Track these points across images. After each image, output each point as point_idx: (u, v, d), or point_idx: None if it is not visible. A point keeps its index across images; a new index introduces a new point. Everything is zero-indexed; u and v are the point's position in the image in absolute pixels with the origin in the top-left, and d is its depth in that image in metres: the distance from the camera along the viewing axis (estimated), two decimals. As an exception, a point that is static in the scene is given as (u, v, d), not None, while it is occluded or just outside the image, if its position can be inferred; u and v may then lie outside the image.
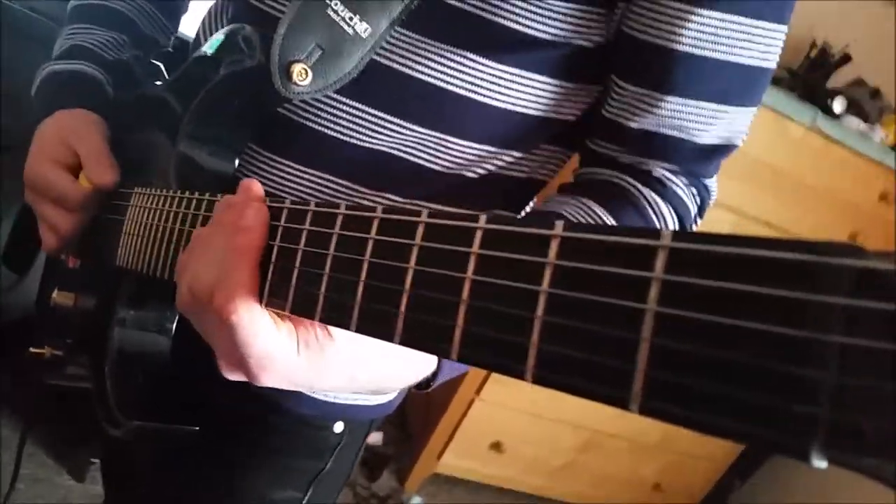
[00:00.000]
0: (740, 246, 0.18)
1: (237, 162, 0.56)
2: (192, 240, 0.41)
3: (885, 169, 1.69)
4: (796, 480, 2.03)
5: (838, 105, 1.66)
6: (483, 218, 0.26)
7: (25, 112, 0.64)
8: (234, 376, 0.39)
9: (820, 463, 0.16)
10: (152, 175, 0.58)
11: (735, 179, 1.62)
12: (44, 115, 0.62)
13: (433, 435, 1.89)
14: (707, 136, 0.53)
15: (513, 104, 0.53)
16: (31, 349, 0.67)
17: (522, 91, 0.53)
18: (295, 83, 0.50)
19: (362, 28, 0.49)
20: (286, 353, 0.37)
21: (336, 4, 0.49)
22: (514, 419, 1.90)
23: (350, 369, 0.39)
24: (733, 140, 0.55)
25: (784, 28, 0.51)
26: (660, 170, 0.55)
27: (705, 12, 0.48)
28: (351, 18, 0.49)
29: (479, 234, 0.25)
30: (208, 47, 0.56)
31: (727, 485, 2.16)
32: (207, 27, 0.62)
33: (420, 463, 1.93)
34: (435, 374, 0.44)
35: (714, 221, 1.67)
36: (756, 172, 1.65)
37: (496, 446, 1.94)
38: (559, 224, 0.23)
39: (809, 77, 1.76)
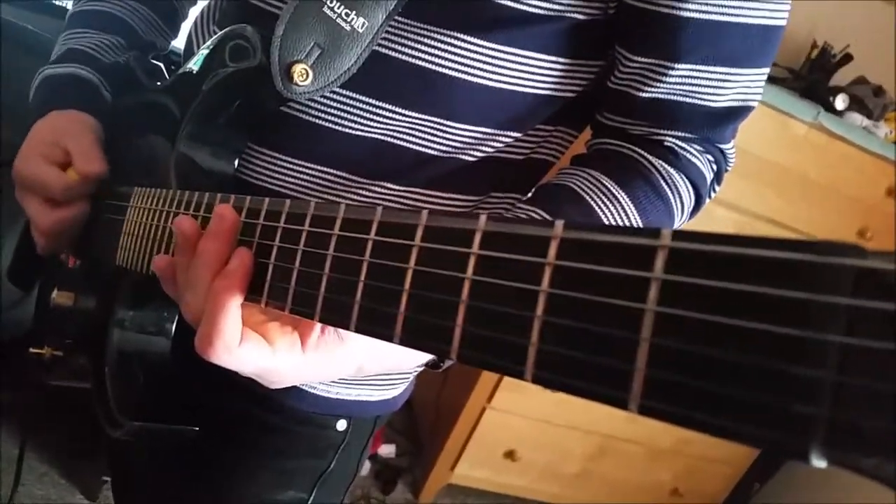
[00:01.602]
0: (740, 245, 0.18)
1: (237, 162, 0.56)
2: (168, 270, 0.42)
3: (891, 164, 1.67)
4: (816, 482, 2.01)
5: (840, 102, 1.65)
6: (482, 219, 0.26)
7: (27, 127, 0.64)
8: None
9: (819, 463, 0.16)
10: (152, 175, 0.58)
11: (738, 178, 1.60)
12: (38, 117, 0.63)
13: (446, 445, 1.88)
14: (719, 100, 0.52)
15: (506, 83, 0.52)
16: (31, 349, 0.67)
17: (516, 69, 0.52)
18: (296, 83, 0.50)
19: (359, 23, 0.49)
20: (285, 364, 0.39)
21: (331, 2, 0.49)
22: (526, 427, 1.88)
23: (359, 361, 0.41)
24: (748, 102, 0.54)
25: None
26: (671, 138, 0.54)
27: None
28: (347, 14, 0.49)
29: (478, 235, 0.25)
30: (207, 48, 0.56)
31: (746, 488, 2.13)
32: (200, 28, 0.62)
33: (434, 474, 1.92)
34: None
35: (717, 220, 1.66)
36: (759, 170, 1.64)
37: (510, 455, 1.93)
38: (559, 224, 0.23)
39: (811, 77, 1.75)
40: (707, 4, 0.48)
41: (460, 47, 0.51)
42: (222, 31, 0.54)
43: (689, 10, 0.48)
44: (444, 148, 0.55)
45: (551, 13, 0.50)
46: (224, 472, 0.65)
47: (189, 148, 0.54)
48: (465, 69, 0.51)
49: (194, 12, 0.75)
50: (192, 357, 0.60)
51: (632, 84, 0.53)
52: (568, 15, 0.50)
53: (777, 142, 1.62)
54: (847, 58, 1.77)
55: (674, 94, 0.52)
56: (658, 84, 0.51)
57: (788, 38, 1.88)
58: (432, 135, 0.54)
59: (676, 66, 0.50)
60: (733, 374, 0.17)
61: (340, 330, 0.38)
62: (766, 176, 1.65)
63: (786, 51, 1.86)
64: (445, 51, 0.51)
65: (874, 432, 0.15)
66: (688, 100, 0.52)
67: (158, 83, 0.66)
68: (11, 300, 0.76)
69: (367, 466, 1.94)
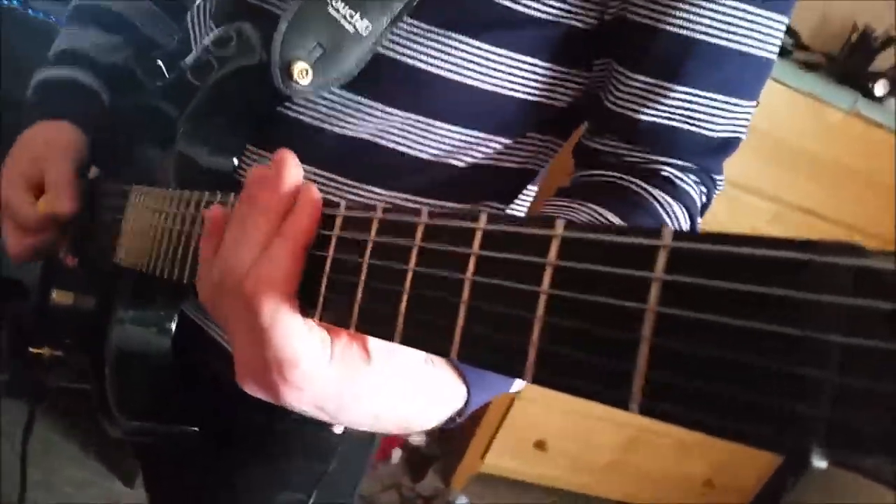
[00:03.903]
0: (740, 245, 0.18)
1: (236, 161, 0.56)
2: (215, 222, 0.37)
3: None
4: (851, 477, 1.97)
5: (880, 88, 1.62)
6: (483, 218, 0.25)
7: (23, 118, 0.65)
8: (253, 389, 0.35)
9: (820, 463, 0.16)
10: (151, 174, 0.58)
11: (773, 167, 1.59)
12: (31, 122, 0.63)
13: (476, 434, 1.88)
14: (717, 129, 0.52)
15: (500, 86, 0.52)
16: (31, 349, 0.67)
17: (509, 73, 0.52)
18: (295, 82, 0.50)
19: (363, 25, 0.49)
20: (316, 365, 0.32)
21: (336, 2, 0.49)
22: (556, 417, 1.89)
23: (376, 406, 0.35)
24: (739, 135, 0.54)
25: (786, 20, 0.50)
26: (669, 168, 0.53)
27: None
28: (351, 16, 0.49)
29: (479, 235, 0.25)
30: (206, 45, 0.56)
31: (779, 482, 2.10)
32: (196, 23, 0.62)
33: (464, 463, 1.92)
34: (462, 409, 0.40)
35: (754, 210, 1.64)
36: (794, 159, 1.61)
37: (540, 445, 1.93)
38: (559, 223, 0.23)
39: (850, 62, 1.71)
40: (714, 28, 0.47)
41: (453, 47, 0.51)
42: (221, 29, 0.54)
43: (698, 32, 0.48)
44: (432, 150, 0.55)
45: (549, 17, 0.50)
46: (225, 471, 0.65)
47: (188, 146, 0.54)
48: (457, 70, 0.51)
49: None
50: (193, 358, 0.61)
51: (630, 105, 0.51)
52: (565, 21, 0.50)
53: (812, 130, 1.59)
54: (890, 40, 1.71)
55: (673, 119, 0.51)
56: (657, 106, 0.50)
57: (827, 21, 1.81)
58: (420, 136, 0.54)
59: (677, 87, 0.50)
60: (734, 375, 0.18)
61: (371, 350, 0.34)
62: (802, 165, 1.63)
63: (824, 35, 1.80)
64: (438, 50, 0.51)
65: (874, 432, 0.15)
66: (687, 126, 0.51)
67: (158, 82, 0.66)
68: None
69: (397, 454, 1.95)
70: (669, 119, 0.51)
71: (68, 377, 0.67)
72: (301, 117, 0.54)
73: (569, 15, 0.50)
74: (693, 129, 0.51)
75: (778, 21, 0.49)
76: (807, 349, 0.16)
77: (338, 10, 0.49)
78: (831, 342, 0.16)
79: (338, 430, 0.64)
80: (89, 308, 0.65)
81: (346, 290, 0.31)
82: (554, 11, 0.50)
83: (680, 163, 0.53)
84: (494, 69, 0.52)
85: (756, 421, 0.17)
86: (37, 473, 0.73)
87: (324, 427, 0.64)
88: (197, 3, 0.63)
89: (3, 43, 1.16)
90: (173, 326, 0.58)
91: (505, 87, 0.53)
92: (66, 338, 0.68)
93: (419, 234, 0.28)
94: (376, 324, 0.29)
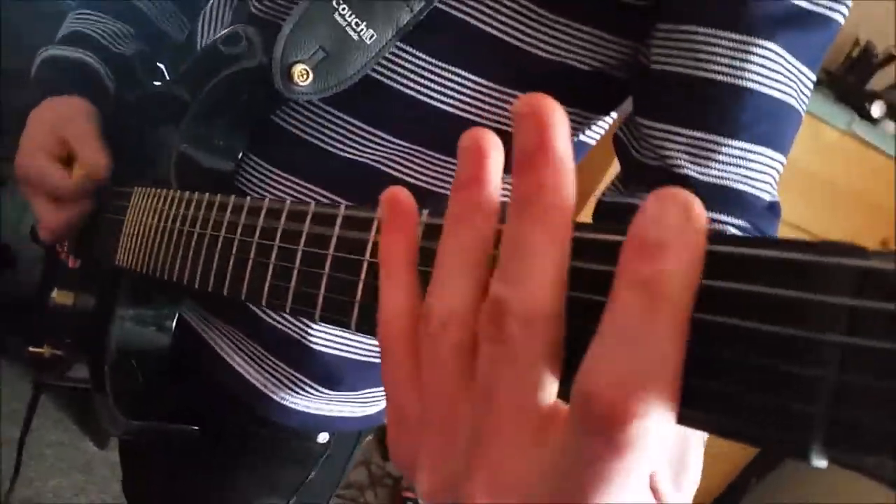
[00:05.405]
0: (741, 246, 0.18)
1: (236, 165, 0.56)
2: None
3: (923, 177, 1.61)
4: (812, 480, 1.98)
5: (877, 109, 1.60)
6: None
7: (27, 96, 0.64)
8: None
9: (820, 462, 0.16)
10: (152, 174, 0.58)
11: None
12: (37, 101, 0.62)
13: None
14: (769, 189, 0.49)
15: (497, 122, 0.52)
16: (31, 348, 0.67)
17: (507, 109, 0.51)
18: (295, 83, 0.49)
19: (368, 35, 0.48)
20: None
21: (344, 9, 0.48)
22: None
23: None
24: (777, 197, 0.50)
25: (814, 79, 0.48)
26: (732, 230, 0.48)
27: (766, 44, 0.44)
28: (357, 24, 0.48)
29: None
30: (208, 46, 0.56)
31: (742, 484, 2.10)
32: (205, 27, 0.62)
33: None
34: None
35: None
36: (786, 175, 1.60)
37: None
38: None
39: (848, 78, 1.68)
40: (763, 77, 0.45)
41: (454, 81, 0.50)
42: (224, 31, 0.54)
43: (750, 81, 0.44)
44: (430, 180, 0.55)
45: (551, 56, 0.49)
46: (207, 475, 0.65)
47: (189, 147, 0.54)
48: (457, 103, 0.51)
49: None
50: (183, 358, 0.61)
51: (680, 161, 0.47)
52: (569, 62, 0.50)
53: (807, 147, 1.57)
54: (890, 58, 1.69)
55: (728, 179, 0.47)
56: (711, 163, 0.46)
57: (828, 35, 1.82)
58: (421, 165, 0.54)
59: (731, 142, 0.46)
60: (734, 374, 0.17)
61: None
62: (794, 181, 1.59)
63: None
64: (440, 84, 0.50)
65: (874, 431, 0.15)
66: (742, 187, 0.47)
67: (158, 83, 0.66)
68: (32, 258, 0.76)
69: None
70: (723, 178, 0.47)
71: (68, 377, 0.67)
72: (307, 137, 0.54)
73: (571, 56, 0.50)
74: (749, 190, 0.47)
75: (810, 79, 0.47)
76: (807, 349, 0.16)
77: (344, 17, 0.49)
78: (832, 342, 0.16)
79: (321, 439, 0.65)
80: (90, 308, 0.66)
81: (345, 288, 0.31)
82: (554, 51, 0.49)
83: (742, 223, 0.48)
84: (491, 104, 0.51)
85: (756, 420, 0.17)
86: (16, 432, 0.74)
87: (308, 438, 0.65)
88: (210, 2, 0.63)
89: (3, 16, 1.15)
90: (173, 325, 0.58)
91: (504, 124, 0.52)
92: (67, 337, 0.68)
93: (419, 234, 0.28)
94: (374, 321, 0.29)
